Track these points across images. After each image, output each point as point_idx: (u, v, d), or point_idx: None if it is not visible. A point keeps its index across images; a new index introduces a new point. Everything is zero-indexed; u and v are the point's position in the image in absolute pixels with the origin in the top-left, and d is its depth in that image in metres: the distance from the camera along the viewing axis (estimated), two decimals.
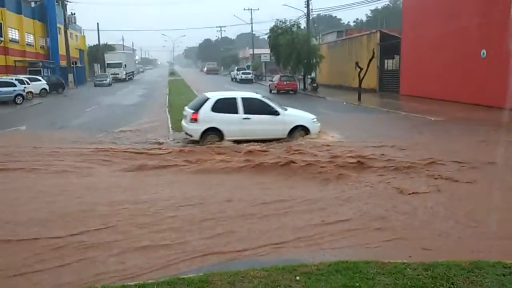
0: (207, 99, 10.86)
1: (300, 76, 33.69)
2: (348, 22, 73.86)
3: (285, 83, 29.36)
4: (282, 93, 28.57)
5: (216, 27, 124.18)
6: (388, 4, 62.58)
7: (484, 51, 17.82)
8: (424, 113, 15.81)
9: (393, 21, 30.77)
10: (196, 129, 10.53)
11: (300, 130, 10.88)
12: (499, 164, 8.19)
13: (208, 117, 10.44)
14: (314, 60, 31.39)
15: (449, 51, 20.17)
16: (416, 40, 23.62)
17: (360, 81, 22.62)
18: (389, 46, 27.52)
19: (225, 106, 10.66)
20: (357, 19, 70.07)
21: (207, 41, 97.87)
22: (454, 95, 19.37)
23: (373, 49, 24.80)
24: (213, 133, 10.44)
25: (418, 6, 23.63)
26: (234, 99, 10.87)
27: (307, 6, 34.44)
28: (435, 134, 11.90)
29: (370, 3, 73.39)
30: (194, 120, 10.48)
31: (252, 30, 59.38)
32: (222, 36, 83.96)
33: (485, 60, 17.77)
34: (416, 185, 6.77)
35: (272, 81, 32.21)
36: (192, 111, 10.72)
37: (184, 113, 11.41)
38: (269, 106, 10.92)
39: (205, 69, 73.22)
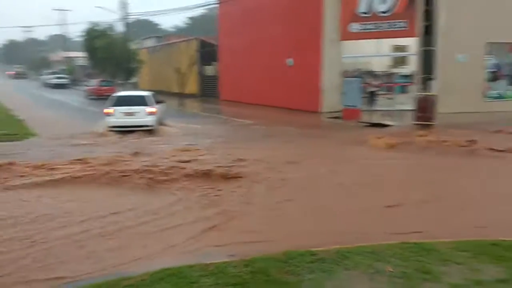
0: (146, 95, 14.03)
1: (120, 81, 32.58)
2: (167, 28, 74.18)
3: (104, 88, 28.00)
4: (102, 98, 27.19)
5: (23, 27, 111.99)
6: (205, 12, 64.71)
7: (290, 59, 19.69)
8: (241, 117, 16.83)
9: (211, 28, 32.24)
10: (155, 120, 13.19)
11: None
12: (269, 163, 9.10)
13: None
14: (133, 65, 30.73)
15: (261, 58, 21.76)
16: (231, 47, 24.92)
17: (181, 87, 22.96)
18: (208, 53, 28.52)
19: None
20: (176, 25, 71.01)
21: (13, 42, 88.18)
22: (270, 100, 20.93)
23: (193, 55, 25.42)
24: None
25: (231, 14, 24.91)
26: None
27: (123, 9, 33.53)
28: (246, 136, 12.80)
29: (185, 10, 74.82)
30: (153, 113, 13.10)
31: (64, 32, 55.40)
32: (31, 37, 76.52)
33: (292, 67, 19.63)
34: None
35: (89, 86, 30.46)
36: (144, 107, 13.16)
37: (126, 110, 13.06)
38: None
39: (12, 73, 65.71)
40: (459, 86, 16.10)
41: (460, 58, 16.44)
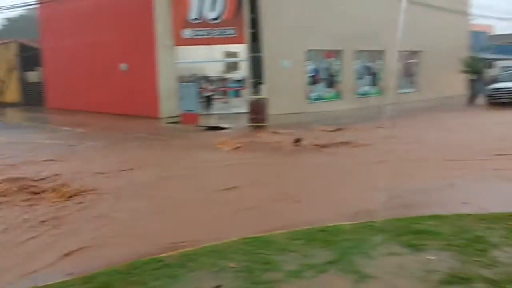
0: None
1: None
2: None
3: None
4: None
5: None
6: (23, 14, 58.70)
7: (124, 64, 19.07)
8: (72, 126, 15.72)
9: (31, 31, 29.31)
10: None
11: None
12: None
13: None
14: None
15: (93, 63, 20.61)
16: (58, 51, 23.06)
17: (0, 95, 20.51)
18: (30, 57, 25.92)
19: None
20: None
21: None
22: (105, 107, 19.91)
23: (12, 60, 22.88)
24: None
25: (57, 16, 23.06)
26: None
27: None
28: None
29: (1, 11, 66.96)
30: None
31: None
32: None
33: (127, 72, 19.02)
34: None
35: None
36: None
37: None
38: None
39: None
40: (286, 89, 17.50)
41: (284, 64, 17.87)
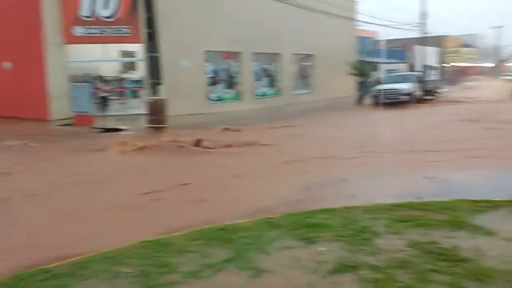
0: None
1: None
2: None
3: None
4: None
5: None
6: None
7: (8, 63, 17.58)
8: None
9: None
10: None
11: None
12: None
13: None
14: None
15: None
16: None
17: None
18: None
19: None
20: None
21: None
22: None
23: None
24: None
25: None
26: None
27: None
28: None
29: None
30: None
31: None
32: None
33: (12, 72, 17.54)
34: None
35: None
36: None
37: None
38: None
39: None
40: (186, 90, 17.36)
41: (183, 64, 17.72)
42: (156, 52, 14.07)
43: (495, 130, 12.75)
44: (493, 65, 65.94)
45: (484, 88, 29.09)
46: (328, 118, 18.09)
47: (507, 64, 73.38)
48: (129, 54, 18.75)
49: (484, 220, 4.77)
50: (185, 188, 7.33)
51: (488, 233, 4.37)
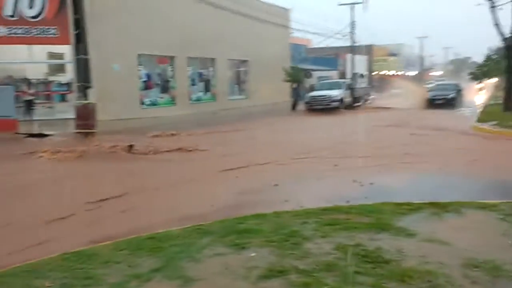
0: None
1: None
2: None
3: None
4: None
5: None
6: None
7: None
8: None
9: None
10: None
11: None
12: None
13: None
14: None
15: None
16: None
17: None
18: None
19: None
20: None
21: None
22: None
23: None
24: None
25: None
26: None
27: None
28: None
29: None
30: None
31: None
32: None
33: None
34: None
35: None
36: None
37: None
38: None
39: None
40: (118, 94, 16.87)
41: (115, 67, 17.21)
42: (85, 54, 13.53)
43: (418, 136, 13.51)
44: (417, 73, 69.84)
45: (409, 96, 30.68)
46: (263, 124, 18.30)
47: (431, 73, 78.26)
48: (58, 56, 17.96)
49: (406, 222, 5.00)
50: (113, 196, 7.09)
51: (410, 234, 4.59)
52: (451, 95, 26.07)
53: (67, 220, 5.91)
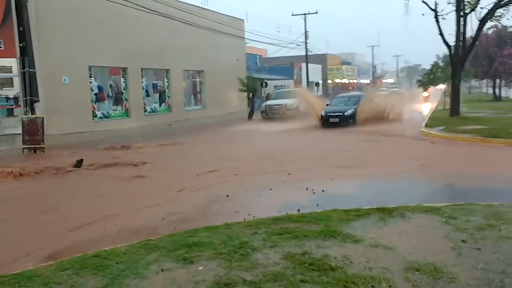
0: None
1: None
2: None
3: None
4: None
5: None
6: None
7: None
8: None
9: None
10: None
11: None
12: None
13: None
14: None
15: None
16: None
17: None
18: None
19: None
20: None
21: None
22: None
23: None
24: None
25: None
26: None
27: None
28: None
29: None
30: None
31: None
32: None
33: None
34: None
35: None
36: None
37: None
38: None
39: None
40: (68, 107, 16.41)
41: (65, 80, 16.75)
42: (31, 67, 13.10)
43: (368, 142, 13.85)
44: (369, 81, 71.78)
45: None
46: (217, 134, 18.23)
47: (384, 80, 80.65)
48: (6, 69, 17.27)
49: (353, 228, 5.09)
50: (56, 213, 6.87)
51: (356, 240, 4.67)
52: (349, 111, 19.65)
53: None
